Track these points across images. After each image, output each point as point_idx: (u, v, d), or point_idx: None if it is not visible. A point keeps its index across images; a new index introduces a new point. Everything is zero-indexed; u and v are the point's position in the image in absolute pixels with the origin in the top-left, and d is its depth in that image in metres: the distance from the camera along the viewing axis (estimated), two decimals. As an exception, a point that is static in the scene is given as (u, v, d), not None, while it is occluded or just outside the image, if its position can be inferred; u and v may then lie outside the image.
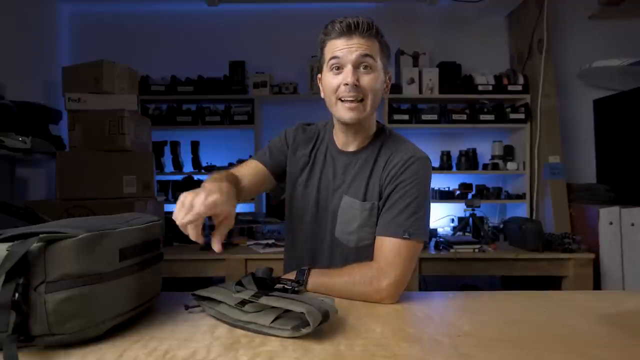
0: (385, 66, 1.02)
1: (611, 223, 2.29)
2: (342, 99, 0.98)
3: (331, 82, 0.99)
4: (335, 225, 1.07)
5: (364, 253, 1.02)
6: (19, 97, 2.16)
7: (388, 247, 0.95)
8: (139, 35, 2.99)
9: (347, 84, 0.95)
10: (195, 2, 2.86)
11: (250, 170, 1.13)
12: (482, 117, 2.75)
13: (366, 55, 0.96)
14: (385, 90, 1.05)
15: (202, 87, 2.75)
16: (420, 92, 2.76)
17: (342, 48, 0.96)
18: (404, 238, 0.94)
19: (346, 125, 1.02)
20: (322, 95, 1.06)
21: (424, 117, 2.75)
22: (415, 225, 0.96)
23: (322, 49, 1.02)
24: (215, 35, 2.99)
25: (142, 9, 2.98)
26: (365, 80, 0.97)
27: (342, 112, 0.99)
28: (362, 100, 0.98)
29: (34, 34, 2.62)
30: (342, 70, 0.97)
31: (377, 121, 1.11)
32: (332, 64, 0.98)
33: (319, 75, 1.06)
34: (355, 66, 0.96)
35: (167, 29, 3.00)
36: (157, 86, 2.74)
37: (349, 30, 0.96)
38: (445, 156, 2.82)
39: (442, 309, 0.91)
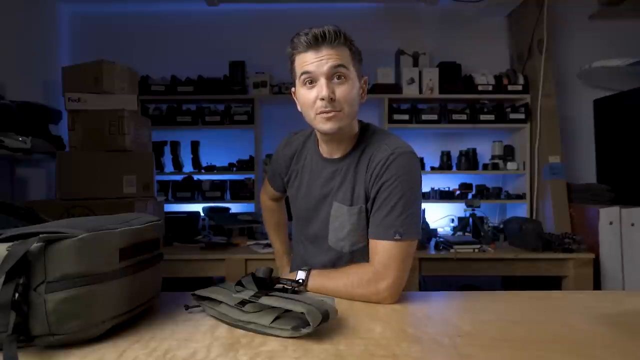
0: (358, 72, 1.00)
1: (611, 223, 2.29)
2: (321, 112, 0.96)
3: (306, 96, 0.96)
4: (329, 233, 1.08)
5: (359, 256, 1.04)
6: (19, 97, 2.16)
7: (381, 250, 0.95)
8: (139, 35, 2.99)
9: (323, 98, 0.93)
10: (195, 2, 2.86)
11: (279, 207, 1.42)
12: (482, 117, 2.75)
13: (338, 65, 0.93)
14: (362, 95, 1.03)
15: (202, 87, 2.75)
16: (420, 92, 2.76)
17: (312, 62, 0.93)
18: (395, 239, 0.93)
19: (328, 135, 1.01)
20: (298, 108, 1.03)
21: (424, 117, 2.75)
22: (405, 224, 0.94)
23: (291, 63, 0.99)
24: (215, 35, 2.99)
25: (142, 9, 2.98)
26: (341, 91, 0.94)
27: (321, 124, 0.97)
28: (340, 111, 0.95)
29: (34, 34, 2.62)
30: (316, 83, 0.95)
31: (359, 120, 1.09)
32: (304, 79, 0.96)
33: (293, 89, 1.04)
34: (328, 78, 0.94)
35: (167, 29, 3.00)
36: (157, 86, 2.74)
37: (317, 42, 0.92)
38: (445, 156, 2.82)
39: (442, 309, 0.91)
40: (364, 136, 1.06)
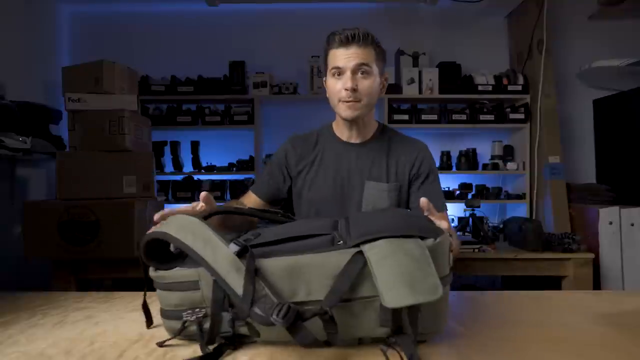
0: (381, 69, 1.16)
1: (611, 223, 2.28)
2: (343, 100, 1.13)
3: (334, 86, 1.14)
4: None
5: None
6: (19, 97, 2.16)
7: (446, 219, 1.10)
8: (139, 35, 2.98)
9: (347, 89, 1.10)
10: (195, 2, 2.86)
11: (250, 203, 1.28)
12: (482, 117, 2.75)
13: (363, 63, 1.10)
14: (382, 90, 1.20)
15: (202, 87, 2.75)
16: (420, 92, 2.76)
17: (341, 57, 1.10)
18: (445, 211, 1.19)
19: (348, 121, 1.17)
20: (327, 95, 1.20)
21: (424, 117, 2.75)
22: (443, 199, 1.22)
23: (325, 57, 1.17)
24: (215, 35, 2.99)
25: (142, 9, 2.98)
26: (363, 84, 1.11)
27: (343, 110, 1.14)
28: (359, 101, 1.12)
29: (34, 34, 2.62)
30: (343, 76, 1.11)
31: (376, 120, 1.27)
32: (334, 72, 1.13)
33: (324, 79, 1.20)
34: (354, 72, 1.10)
35: (167, 29, 3.00)
36: (157, 86, 2.74)
37: (347, 41, 1.09)
38: (445, 156, 2.82)
39: (442, 309, 0.91)
40: (385, 130, 1.26)
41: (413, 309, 0.56)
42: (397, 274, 0.53)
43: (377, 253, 0.57)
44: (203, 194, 0.84)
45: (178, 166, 2.81)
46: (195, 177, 2.80)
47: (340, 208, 1.17)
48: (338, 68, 1.11)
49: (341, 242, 0.61)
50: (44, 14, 2.75)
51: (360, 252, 0.58)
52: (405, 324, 0.59)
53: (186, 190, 2.75)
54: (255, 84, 2.77)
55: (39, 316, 0.84)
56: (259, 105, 2.78)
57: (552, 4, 2.72)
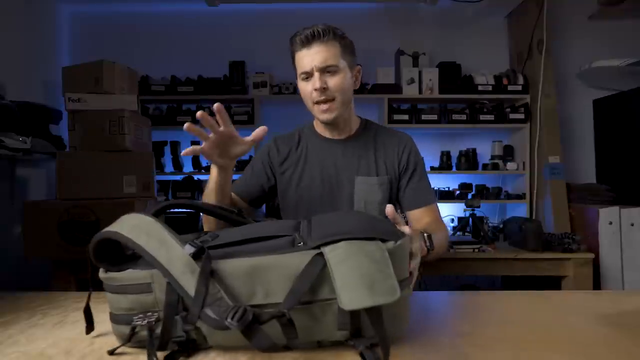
0: (350, 62, 1.12)
1: (611, 223, 2.29)
2: (316, 102, 1.11)
3: (304, 89, 1.12)
4: (354, 207, 1.15)
5: None
6: (19, 97, 2.16)
7: (432, 211, 1.16)
8: (139, 35, 2.99)
9: (317, 89, 1.07)
10: (195, 2, 2.86)
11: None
12: (482, 117, 2.75)
13: (328, 65, 1.07)
14: (356, 83, 1.16)
15: (202, 87, 2.75)
16: (420, 92, 2.76)
17: (306, 60, 1.08)
18: (435, 202, 1.18)
19: (327, 123, 1.16)
20: (302, 96, 1.17)
21: (424, 117, 2.75)
22: (432, 191, 1.22)
23: (292, 60, 1.14)
24: (215, 35, 2.99)
25: (142, 9, 2.98)
26: (332, 82, 1.08)
27: (318, 114, 1.13)
28: (333, 100, 1.10)
29: (34, 34, 2.62)
30: (311, 77, 1.09)
31: (357, 116, 1.26)
32: (301, 74, 1.11)
33: (297, 81, 1.17)
34: (321, 72, 1.07)
35: (167, 29, 3.00)
36: (157, 86, 2.74)
37: (308, 41, 1.07)
38: (445, 156, 2.82)
39: (442, 309, 0.91)
40: (367, 125, 1.24)
41: (374, 311, 0.54)
42: (356, 276, 0.53)
43: (337, 255, 0.56)
44: (216, 105, 0.94)
45: (178, 166, 2.81)
46: (195, 177, 2.80)
47: (330, 206, 1.16)
48: (304, 69, 1.09)
49: (302, 243, 0.61)
50: (44, 14, 2.75)
51: (321, 254, 0.57)
52: (364, 327, 0.59)
53: (186, 190, 2.75)
54: (255, 84, 2.77)
55: (39, 316, 0.84)
56: (259, 105, 2.78)
57: (552, 4, 2.72)
